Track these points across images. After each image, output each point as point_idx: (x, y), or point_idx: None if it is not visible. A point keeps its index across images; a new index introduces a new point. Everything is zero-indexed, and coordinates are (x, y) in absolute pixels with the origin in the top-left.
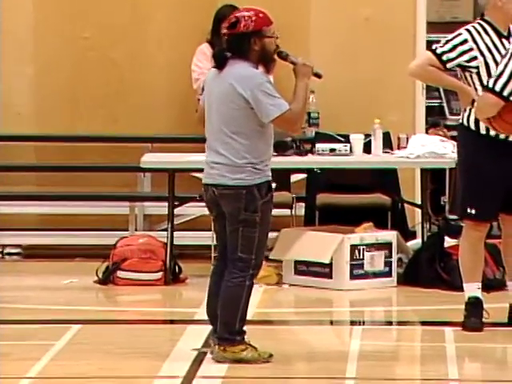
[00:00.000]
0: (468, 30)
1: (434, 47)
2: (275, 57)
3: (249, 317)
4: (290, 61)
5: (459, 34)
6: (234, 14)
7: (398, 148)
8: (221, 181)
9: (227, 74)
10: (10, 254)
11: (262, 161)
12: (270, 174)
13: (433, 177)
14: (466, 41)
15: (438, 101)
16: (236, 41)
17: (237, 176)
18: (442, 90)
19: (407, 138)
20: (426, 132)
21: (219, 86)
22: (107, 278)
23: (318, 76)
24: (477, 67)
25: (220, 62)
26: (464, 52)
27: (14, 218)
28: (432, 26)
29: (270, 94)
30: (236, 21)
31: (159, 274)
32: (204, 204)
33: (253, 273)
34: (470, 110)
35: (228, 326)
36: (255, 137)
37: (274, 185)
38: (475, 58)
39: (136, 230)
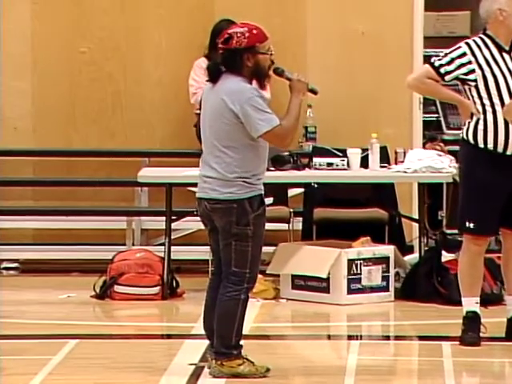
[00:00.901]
0: (467, 44)
1: (432, 60)
2: (270, 73)
3: (246, 331)
4: (286, 77)
5: (458, 48)
6: (227, 30)
7: (396, 162)
8: (212, 195)
9: (219, 89)
10: (6, 268)
11: (254, 175)
12: (262, 187)
13: (430, 191)
14: (464, 54)
15: (435, 115)
16: (229, 56)
17: (227, 190)
18: (439, 105)
19: (404, 153)
20: (423, 146)
21: (212, 101)
22: (104, 293)
23: (314, 92)
24: (475, 80)
25: (213, 76)
26: (462, 65)
27: (11, 232)
28: (429, 41)
29: (259, 109)
30: (229, 37)
31: (156, 289)
32: (200, 218)
33: (248, 287)
34: (469, 123)
35: (224, 340)
36: (246, 151)
37: (270, 200)
38: (473, 71)
39: (133, 244)
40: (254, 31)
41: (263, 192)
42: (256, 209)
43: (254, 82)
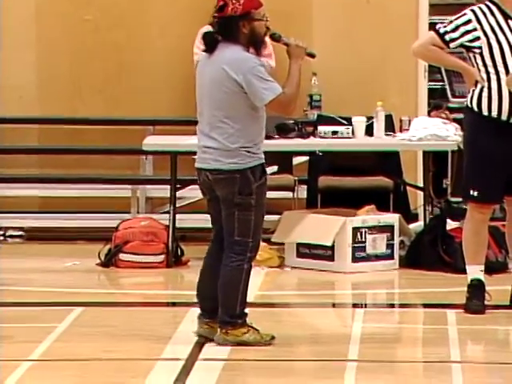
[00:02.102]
0: (473, 11)
1: (437, 27)
2: (267, 39)
3: (251, 299)
4: (284, 42)
5: (464, 15)
6: None
7: (401, 130)
8: (215, 165)
9: (218, 58)
10: (11, 236)
11: (256, 144)
12: (263, 156)
13: (435, 159)
14: (469, 21)
15: (441, 83)
16: (225, 24)
17: (230, 160)
18: (444, 73)
19: (409, 121)
20: (429, 114)
21: (211, 71)
22: (109, 261)
23: (312, 56)
24: (480, 47)
25: (210, 46)
26: (467, 32)
27: (16, 200)
28: (435, 8)
29: (262, 78)
30: (224, 4)
31: (161, 257)
32: None
33: (251, 256)
34: (474, 91)
35: (229, 309)
36: (248, 120)
37: (274, 168)
38: (478, 38)
39: (138, 212)
40: None
41: (264, 161)
42: (258, 178)
43: (251, 49)
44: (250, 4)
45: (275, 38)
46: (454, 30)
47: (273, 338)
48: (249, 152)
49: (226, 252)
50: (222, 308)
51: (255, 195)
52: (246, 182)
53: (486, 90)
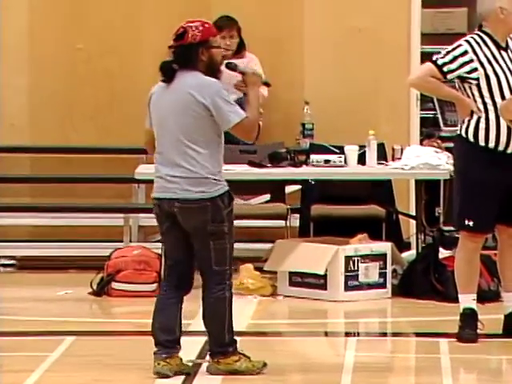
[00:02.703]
0: (468, 42)
1: (434, 58)
2: (222, 68)
3: (243, 328)
4: (239, 71)
5: (459, 46)
6: (181, 25)
7: (393, 159)
8: (183, 195)
9: (181, 85)
10: (3, 265)
11: (219, 171)
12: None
13: (427, 188)
14: (466, 52)
15: (433, 112)
16: (184, 52)
17: (199, 189)
18: (436, 101)
19: (402, 150)
20: (421, 143)
21: (173, 99)
22: (102, 290)
23: (267, 85)
24: (477, 79)
25: (168, 75)
26: (465, 63)
27: (8, 229)
28: (426, 38)
29: (228, 101)
30: (184, 31)
31: (154, 286)
32: None
33: (230, 283)
34: (469, 121)
35: (218, 339)
36: (213, 147)
37: (267, 196)
38: (476, 69)
39: (130, 241)
40: (206, 25)
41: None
42: (227, 205)
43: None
44: (208, 31)
45: (231, 67)
46: (451, 62)
47: (265, 365)
48: (215, 179)
49: (205, 284)
50: (211, 338)
51: (227, 222)
52: (217, 210)
53: (483, 121)
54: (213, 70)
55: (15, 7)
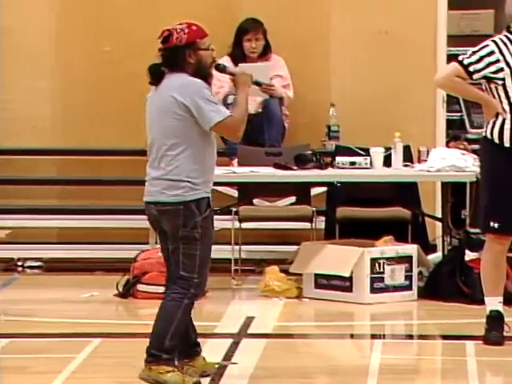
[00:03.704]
0: (494, 42)
1: (460, 58)
2: (212, 70)
3: (269, 330)
4: (229, 72)
5: (486, 46)
6: (168, 28)
7: (419, 161)
8: (159, 198)
9: (166, 87)
10: (30, 267)
11: (202, 175)
12: (210, 191)
13: (453, 190)
14: (492, 52)
15: (459, 114)
16: (170, 54)
17: (174, 192)
18: (462, 103)
19: (428, 152)
20: (447, 145)
21: (158, 100)
22: (127, 292)
23: (259, 84)
24: (503, 79)
25: (155, 77)
26: (491, 63)
27: (35, 231)
28: (452, 39)
29: (209, 100)
30: (169, 34)
31: None
32: (223, 217)
33: (194, 293)
34: (494, 122)
35: (157, 341)
36: (195, 149)
37: (292, 198)
38: (502, 69)
39: (156, 243)
40: (193, 27)
41: (210, 195)
42: (203, 211)
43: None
44: (195, 33)
45: (220, 68)
46: (477, 62)
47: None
48: (193, 183)
49: (169, 284)
50: (152, 339)
51: (200, 229)
52: (191, 215)
53: (508, 122)
54: (202, 72)
55: (41, 11)
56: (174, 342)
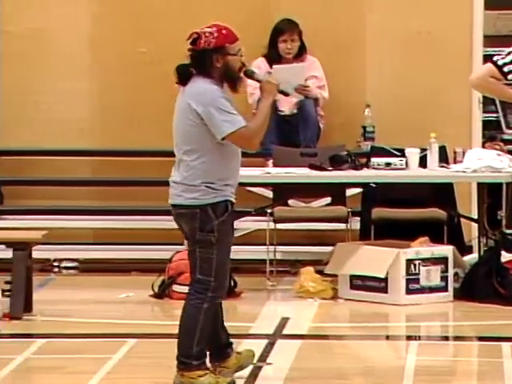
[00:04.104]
0: None
1: (495, 59)
2: (241, 75)
3: (304, 331)
4: (256, 79)
5: None
6: (196, 31)
7: (455, 162)
8: (177, 200)
9: (186, 92)
10: (66, 267)
11: (221, 180)
12: (230, 193)
13: (489, 191)
14: None
15: (495, 115)
16: (197, 57)
17: (191, 195)
18: (498, 104)
19: (463, 152)
20: (483, 146)
21: (179, 104)
22: (163, 292)
23: (285, 94)
24: None
25: (182, 78)
26: None
27: (71, 232)
28: (489, 40)
29: (223, 110)
30: (197, 37)
31: None
32: (258, 218)
33: (213, 296)
34: None
35: (185, 348)
36: (212, 155)
37: (327, 199)
38: None
39: None
40: (224, 31)
41: (231, 199)
42: (220, 215)
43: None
44: (225, 38)
45: (248, 74)
46: None
47: (232, 383)
48: (210, 188)
49: (189, 289)
50: (179, 346)
51: (217, 233)
52: (207, 219)
53: None
54: (229, 77)
55: (78, 12)
56: (202, 346)
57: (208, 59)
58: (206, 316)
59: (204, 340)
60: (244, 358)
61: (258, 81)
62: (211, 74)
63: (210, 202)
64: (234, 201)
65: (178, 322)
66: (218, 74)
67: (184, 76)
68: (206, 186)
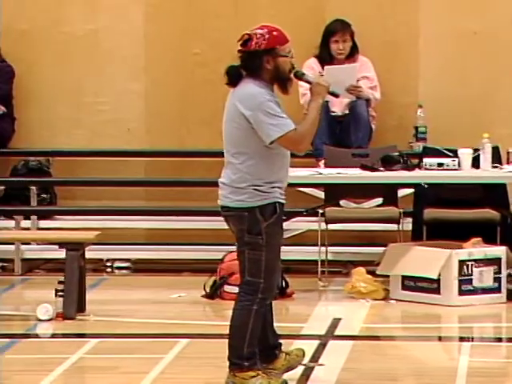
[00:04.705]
0: None
1: None
2: (291, 76)
3: (356, 332)
4: (306, 80)
5: None
6: (247, 32)
7: (508, 162)
8: (225, 202)
9: (235, 93)
10: (119, 267)
11: (268, 182)
12: (279, 195)
13: None
14: None
15: None
16: (248, 59)
17: (238, 197)
18: None
19: None
20: None
21: (228, 106)
22: (215, 293)
23: (335, 95)
24: None
25: (231, 79)
26: None
27: (124, 232)
28: None
29: (271, 114)
30: (248, 38)
31: None
32: (310, 219)
33: (263, 297)
34: None
35: (236, 350)
36: (259, 158)
37: (379, 200)
38: None
39: None
40: (274, 33)
41: (280, 201)
42: (269, 217)
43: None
44: (276, 40)
45: (298, 76)
46: None
47: (285, 383)
48: (258, 190)
49: (238, 291)
50: (230, 347)
51: (265, 235)
52: (255, 221)
53: None
54: (280, 79)
55: (131, 13)
56: (253, 347)
57: (258, 61)
58: (255, 317)
59: (255, 341)
60: (293, 359)
61: (307, 82)
62: (261, 76)
63: (257, 205)
64: (283, 202)
65: (229, 323)
66: (269, 75)
67: (234, 77)
68: (254, 189)
